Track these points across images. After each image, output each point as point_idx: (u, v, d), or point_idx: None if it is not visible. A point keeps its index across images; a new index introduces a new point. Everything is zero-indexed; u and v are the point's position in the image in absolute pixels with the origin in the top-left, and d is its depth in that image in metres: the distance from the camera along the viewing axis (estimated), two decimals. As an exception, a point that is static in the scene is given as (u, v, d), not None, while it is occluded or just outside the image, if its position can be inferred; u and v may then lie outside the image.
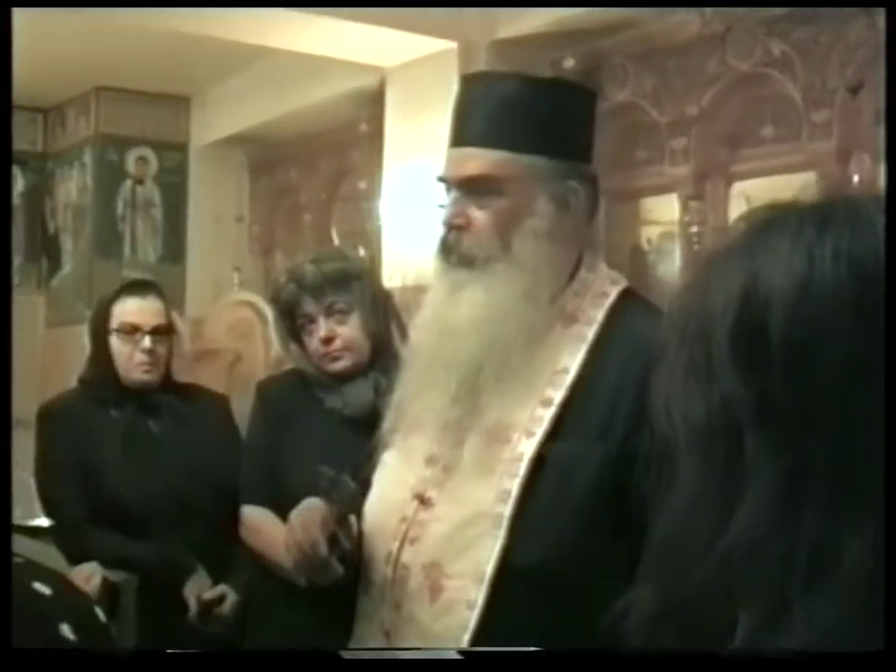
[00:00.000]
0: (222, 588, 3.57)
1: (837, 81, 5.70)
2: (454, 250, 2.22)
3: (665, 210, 6.68)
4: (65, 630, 1.19)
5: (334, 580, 2.43)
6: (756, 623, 0.93)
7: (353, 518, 2.46)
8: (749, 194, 6.28)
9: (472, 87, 2.33)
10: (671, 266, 6.62)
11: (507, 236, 2.19)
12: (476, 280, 2.20)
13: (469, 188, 2.22)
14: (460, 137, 2.29)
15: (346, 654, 2.22)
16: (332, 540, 2.40)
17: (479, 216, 2.20)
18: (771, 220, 1.03)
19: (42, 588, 1.22)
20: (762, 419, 0.95)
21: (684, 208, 6.51)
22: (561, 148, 2.24)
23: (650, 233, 6.81)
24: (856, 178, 5.63)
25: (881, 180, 5.52)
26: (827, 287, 0.94)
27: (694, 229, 6.45)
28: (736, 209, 6.36)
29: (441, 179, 2.29)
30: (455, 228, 2.22)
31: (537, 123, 2.22)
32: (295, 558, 2.45)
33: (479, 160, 2.22)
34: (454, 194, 2.24)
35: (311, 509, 2.46)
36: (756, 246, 1.00)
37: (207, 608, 3.53)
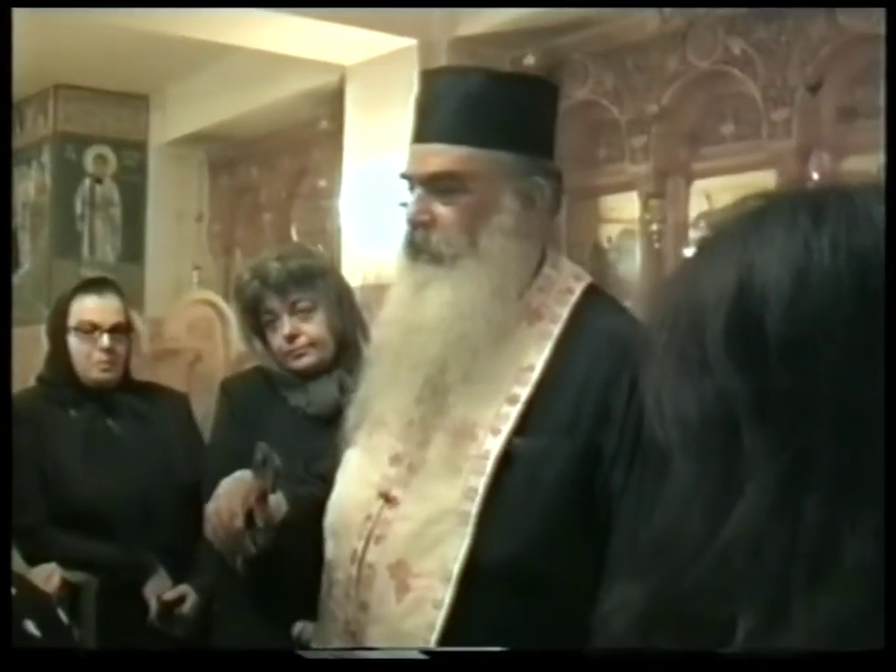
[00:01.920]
0: (183, 588, 3.54)
1: (797, 80, 5.73)
2: (423, 249, 2.20)
3: (625, 208, 6.70)
4: (30, 626, 1.18)
5: (245, 555, 2.46)
6: (757, 621, 0.91)
7: (274, 499, 2.48)
8: (709, 192, 6.31)
9: (435, 82, 2.31)
10: (632, 264, 6.64)
11: (474, 233, 2.18)
12: (443, 277, 2.18)
13: (433, 184, 2.20)
14: (423, 133, 2.26)
15: (309, 654, 2.22)
16: (249, 516, 2.42)
17: (444, 212, 2.18)
18: (762, 209, 1.00)
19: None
20: (760, 413, 0.93)
21: (645, 206, 6.53)
22: (526, 144, 2.22)
23: (610, 231, 6.83)
24: (815, 176, 5.65)
25: (841, 177, 5.55)
26: (826, 278, 0.92)
27: (655, 226, 6.48)
28: (697, 207, 6.38)
29: (405, 176, 2.26)
30: (421, 225, 2.20)
31: (501, 119, 2.20)
32: (211, 526, 2.46)
33: (443, 156, 2.19)
34: (418, 191, 2.22)
35: (238, 480, 2.48)
36: (748, 236, 0.98)
37: (168, 608, 3.50)
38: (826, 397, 0.91)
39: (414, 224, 2.21)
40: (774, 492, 0.92)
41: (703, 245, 1.04)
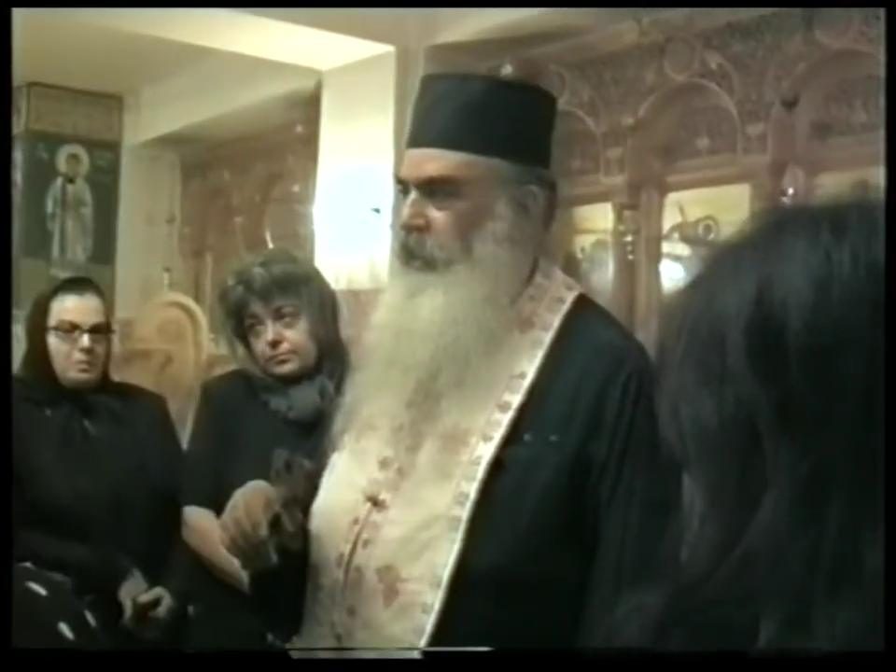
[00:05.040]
0: (158, 591, 3.53)
1: (773, 95, 5.76)
2: (416, 253, 2.20)
3: (599, 219, 6.72)
4: (64, 629, 1.18)
5: (266, 567, 2.31)
6: (778, 627, 0.92)
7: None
8: (682, 204, 6.34)
9: (434, 87, 2.30)
10: (604, 275, 6.66)
11: (468, 239, 2.18)
12: (436, 283, 2.18)
13: (429, 188, 2.19)
14: (421, 138, 2.26)
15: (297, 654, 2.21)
16: (274, 525, 2.33)
17: (438, 216, 2.18)
18: (783, 221, 1.02)
19: (37, 588, 1.21)
20: (781, 421, 0.94)
21: (619, 217, 6.56)
22: (523, 153, 2.22)
23: (584, 242, 6.84)
24: (790, 191, 5.68)
25: (813, 194, 5.59)
26: (847, 290, 0.93)
27: (628, 238, 6.50)
28: (670, 219, 6.41)
29: (400, 180, 2.27)
30: (415, 229, 2.20)
31: (500, 126, 2.20)
32: (231, 537, 2.30)
33: (441, 161, 2.19)
34: (413, 195, 2.21)
35: (256, 490, 2.35)
36: (769, 247, 0.99)
37: (143, 611, 3.49)
38: (846, 406, 0.92)
39: (409, 228, 2.21)
40: (794, 499, 0.93)
41: (722, 256, 1.04)
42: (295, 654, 2.35)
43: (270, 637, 2.75)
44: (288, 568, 2.29)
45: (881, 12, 5.07)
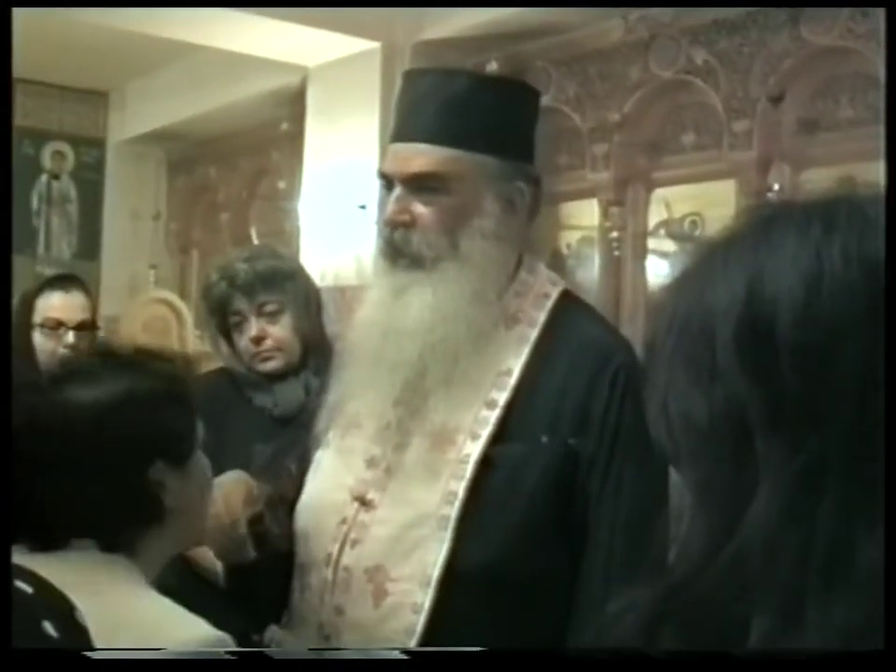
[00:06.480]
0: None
1: (759, 91, 5.76)
2: (402, 250, 2.18)
3: (585, 215, 6.71)
4: (49, 628, 1.16)
5: (242, 561, 2.30)
6: (771, 624, 0.92)
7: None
8: (668, 201, 6.34)
9: (418, 82, 2.29)
10: (590, 271, 6.65)
11: (454, 235, 2.17)
12: (424, 281, 2.16)
13: (414, 184, 2.18)
14: (406, 133, 2.24)
15: (280, 655, 2.19)
16: (254, 520, 2.27)
17: (424, 212, 2.17)
18: (773, 218, 1.01)
19: (23, 586, 1.19)
20: (772, 419, 0.93)
21: (604, 214, 6.55)
22: (508, 148, 2.22)
23: (569, 238, 6.84)
24: (775, 187, 5.69)
25: (799, 191, 5.59)
26: (837, 287, 0.92)
27: (614, 234, 6.50)
28: (656, 215, 6.41)
29: (384, 175, 2.25)
30: (401, 225, 2.18)
31: (486, 122, 2.19)
32: (209, 528, 2.20)
33: (427, 156, 2.18)
34: (398, 191, 2.20)
35: (237, 482, 2.32)
36: (759, 242, 0.98)
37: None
38: (838, 402, 0.91)
39: (394, 224, 2.19)
40: (786, 496, 0.92)
41: (712, 251, 1.03)
42: (281, 654, 2.33)
43: (256, 637, 2.75)
44: (267, 563, 2.27)
45: (869, 9, 5.08)
